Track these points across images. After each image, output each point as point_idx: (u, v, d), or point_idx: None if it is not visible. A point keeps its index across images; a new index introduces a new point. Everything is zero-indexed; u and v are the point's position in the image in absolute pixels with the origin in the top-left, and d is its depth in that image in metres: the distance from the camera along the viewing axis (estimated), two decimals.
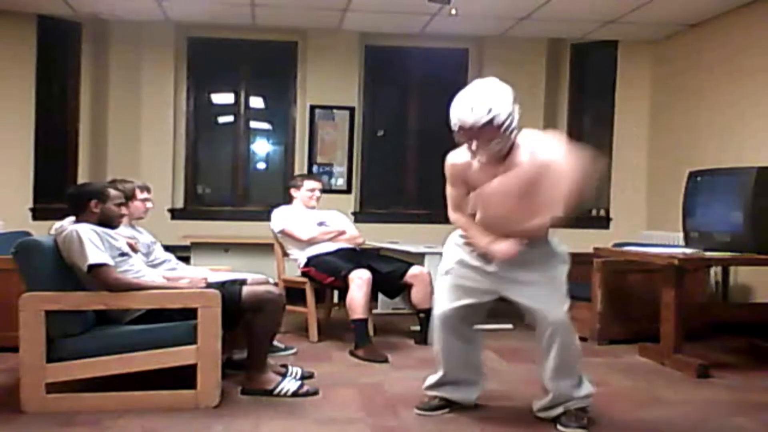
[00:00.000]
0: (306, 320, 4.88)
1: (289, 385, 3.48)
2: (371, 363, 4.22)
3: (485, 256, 3.05)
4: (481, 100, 2.78)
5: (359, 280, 4.48)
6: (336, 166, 6.88)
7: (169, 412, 3.14)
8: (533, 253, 3.01)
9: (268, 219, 5.09)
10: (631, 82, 6.73)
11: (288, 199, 5.22)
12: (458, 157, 3.04)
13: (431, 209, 6.62)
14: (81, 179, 6.28)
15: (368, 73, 6.97)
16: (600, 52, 6.85)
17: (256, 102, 7.08)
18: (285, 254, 5.10)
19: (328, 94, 6.79)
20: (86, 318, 3.31)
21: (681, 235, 4.76)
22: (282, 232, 4.99)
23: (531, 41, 6.77)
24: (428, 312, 4.73)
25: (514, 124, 2.83)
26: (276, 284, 4.25)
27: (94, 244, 3.23)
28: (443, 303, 3.19)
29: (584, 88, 7.04)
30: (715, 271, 5.47)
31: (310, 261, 4.85)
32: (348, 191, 6.87)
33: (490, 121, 2.76)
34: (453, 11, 5.59)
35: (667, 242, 5.16)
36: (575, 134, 6.99)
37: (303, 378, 3.70)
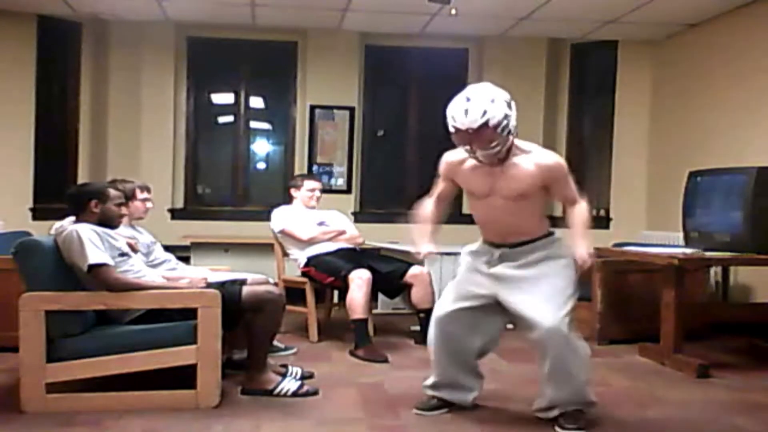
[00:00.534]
0: (306, 320, 4.88)
1: (289, 385, 3.48)
2: (371, 363, 4.23)
3: (489, 260, 3.08)
4: (475, 103, 2.80)
5: (359, 280, 4.48)
6: (336, 166, 6.87)
7: (169, 412, 3.14)
8: (533, 255, 3.01)
9: (268, 219, 5.09)
10: (631, 82, 6.73)
11: (288, 199, 5.22)
12: (454, 155, 3.10)
13: None
14: (81, 179, 6.28)
15: (368, 73, 6.97)
16: (600, 52, 6.85)
17: (256, 102, 7.08)
18: (285, 254, 5.10)
19: (328, 94, 6.79)
20: (86, 318, 3.31)
21: (681, 235, 4.77)
22: (282, 232, 4.99)
23: (531, 41, 6.77)
24: (428, 312, 4.73)
25: (511, 126, 2.84)
26: (276, 284, 4.25)
27: (94, 244, 3.23)
28: (441, 305, 3.21)
29: (584, 89, 7.04)
30: (715, 271, 5.47)
31: (310, 261, 4.85)
32: (348, 191, 6.86)
33: (485, 124, 2.78)
34: (453, 11, 5.59)
35: (667, 242, 5.16)
36: (575, 134, 7.01)
37: (303, 378, 3.70)
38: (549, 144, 5.98)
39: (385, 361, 4.26)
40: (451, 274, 4.88)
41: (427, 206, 3.26)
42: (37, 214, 6.09)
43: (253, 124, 7.08)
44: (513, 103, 2.88)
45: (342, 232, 5.07)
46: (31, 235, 4.21)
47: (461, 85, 2.93)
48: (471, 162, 3.00)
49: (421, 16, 6.12)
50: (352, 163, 6.88)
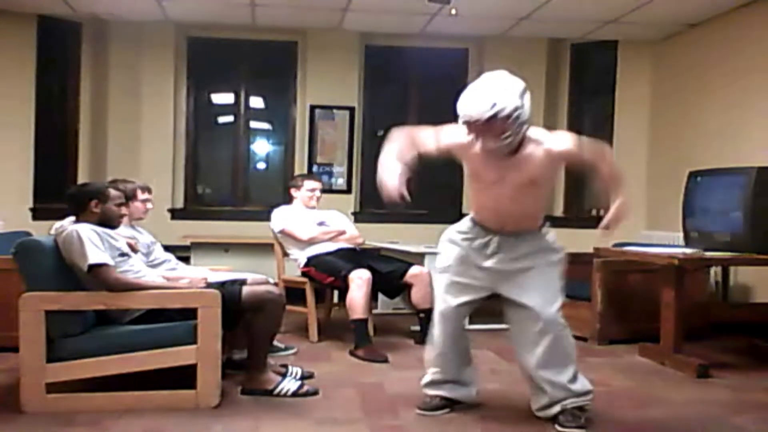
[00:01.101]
0: (306, 320, 4.88)
1: (289, 385, 3.48)
2: (371, 363, 4.22)
3: (484, 251, 3.06)
4: (485, 94, 2.74)
5: (359, 280, 4.48)
6: (336, 166, 6.88)
7: (169, 412, 3.14)
8: (528, 246, 3.02)
9: (268, 219, 5.09)
10: (631, 82, 6.73)
11: (288, 199, 5.22)
12: (465, 136, 2.89)
13: (431, 209, 6.63)
14: (81, 179, 6.28)
15: (368, 73, 6.97)
16: (600, 52, 6.85)
17: (256, 102, 7.08)
18: (285, 254, 5.10)
19: (328, 94, 6.79)
20: (86, 318, 3.31)
21: (681, 235, 4.77)
22: (282, 232, 4.99)
23: (531, 41, 6.77)
24: (428, 312, 4.74)
25: (524, 117, 2.78)
26: (276, 284, 4.25)
27: (94, 244, 3.23)
28: (444, 301, 3.19)
29: (584, 88, 7.03)
30: (715, 271, 5.47)
31: (310, 261, 4.85)
32: (348, 191, 6.87)
33: (495, 116, 2.71)
34: (453, 11, 5.59)
35: (667, 242, 5.16)
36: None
37: (303, 378, 3.70)
38: None
39: (385, 361, 4.26)
40: None
41: (402, 144, 3.09)
42: (37, 214, 6.09)
43: (253, 124, 7.08)
44: (527, 93, 2.80)
45: (342, 232, 5.07)
46: (31, 235, 4.21)
47: (461, 86, 2.90)
48: (478, 148, 2.90)
49: (421, 16, 6.12)
50: (352, 163, 6.88)
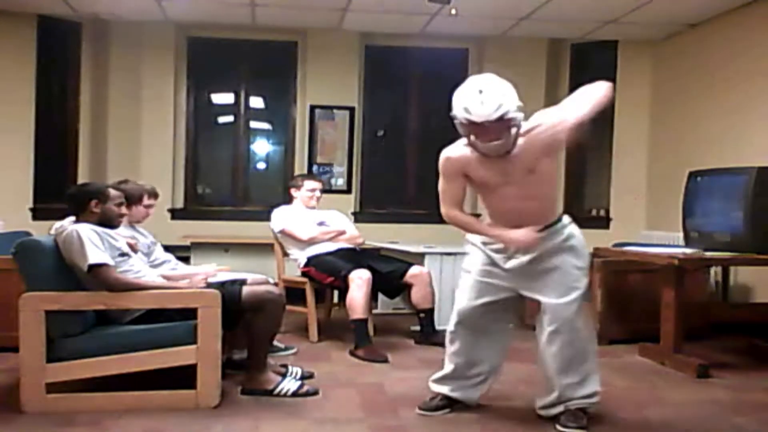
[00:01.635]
0: (306, 320, 4.88)
1: (289, 385, 3.48)
2: (371, 363, 4.22)
3: (504, 253, 3.06)
4: (490, 95, 2.77)
5: (359, 280, 4.48)
6: (336, 166, 6.88)
7: (169, 412, 3.14)
8: (547, 245, 3.01)
9: (268, 219, 5.09)
10: (631, 83, 6.72)
11: (288, 199, 5.22)
12: (455, 151, 3.02)
13: (431, 209, 6.59)
14: (81, 179, 6.27)
15: (368, 73, 6.97)
16: (600, 52, 6.84)
17: (256, 102, 7.08)
18: (285, 254, 5.10)
19: (328, 94, 6.79)
20: (86, 318, 3.31)
21: (681, 235, 4.76)
22: (282, 232, 4.99)
23: (531, 41, 6.77)
24: (428, 312, 4.75)
25: (519, 119, 2.83)
26: (276, 284, 4.25)
27: (94, 244, 3.23)
28: (462, 300, 3.21)
29: None
30: (715, 271, 5.47)
31: (310, 261, 4.85)
32: (348, 191, 6.86)
33: (501, 117, 2.76)
34: (453, 11, 5.59)
35: (667, 242, 5.16)
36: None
37: (303, 378, 3.70)
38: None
39: (385, 361, 4.26)
40: (451, 274, 4.94)
41: (458, 215, 3.09)
42: (37, 214, 6.09)
43: (253, 124, 7.08)
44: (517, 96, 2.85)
45: (342, 232, 5.07)
46: (31, 235, 4.21)
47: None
48: (476, 155, 2.95)
49: (421, 16, 6.12)
50: (352, 163, 6.88)
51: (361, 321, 4.44)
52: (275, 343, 4.04)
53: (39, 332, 3.14)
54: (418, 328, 4.85)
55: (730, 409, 3.44)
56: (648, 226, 6.51)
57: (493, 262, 3.13)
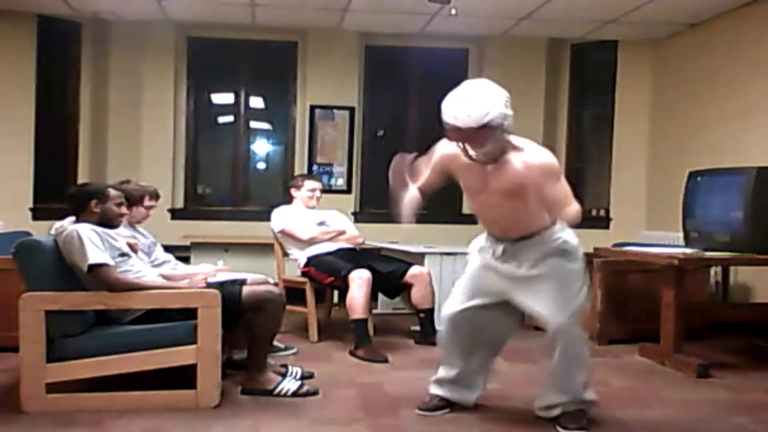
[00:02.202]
0: (306, 320, 4.88)
1: (289, 385, 3.48)
2: (371, 363, 4.22)
3: (497, 259, 3.06)
4: (477, 102, 2.76)
5: (359, 280, 4.48)
6: (336, 166, 6.88)
7: (169, 412, 3.14)
8: (538, 251, 2.99)
9: (268, 219, 5.09)
10: (631, 83, 6.73)
11: (288, 199, 5.22)
12: (449, 147, 3.01)
13: (431, 209, 6.61)
14: (81, 179, 6.27)
15: (368, 73, 6.97)
16: (600, 52, 6.85)
17: (256, 102, 7.08)
18: (285, 254, 5.10)
19: (328, 94, 6.79)
20: (86, 318, 3.31)
21: (681, 235, 4.76)
22: (282, 232, 4.99)
23: (531, 41, 6.77)
24: (428, 312, 4.75)
25: (506, 125, 2.81)
26: (276, 284, 4.25)
27: (94, 244, 3.23)
28: (453, 302, 3.21)
29: (584, 88, 7.03)
30: (715, 271, 5.47)
31: (310, 261, 4.85)
32: (348, 191, 6.86)
33: (486, 125, 2.74)
34: (453, 11, 5.59)
35: (667, 242, 5.16)
36: (575, 134, 7.01)
37: (303, 378, 3.70)
38: (549, 144, 5.97)
39: (385, 361, 4.26)
40: (451, 274, 4.94)
41: (411, 191, 3.17)
42: (37, 214, 6.09)
43: (253, 124, 7.08)
44: (509, 101, 2.83)
45: (342, 232, 5.07)
46: (31, 235, 4.21)
47: None
48: (465, 158, 2.95)
49: (421, 16, 6.12)
50: (352, 163, 6.87)
51: (361, 321, 4.44)
52: (275, 343, 4.04)
53: (39, 332, 3.14)
54: (418, 328, 4.85)
55: (730, 409, 3.44)
56: (648, 226, 6.51)
57: (485, 265, 3.12)
